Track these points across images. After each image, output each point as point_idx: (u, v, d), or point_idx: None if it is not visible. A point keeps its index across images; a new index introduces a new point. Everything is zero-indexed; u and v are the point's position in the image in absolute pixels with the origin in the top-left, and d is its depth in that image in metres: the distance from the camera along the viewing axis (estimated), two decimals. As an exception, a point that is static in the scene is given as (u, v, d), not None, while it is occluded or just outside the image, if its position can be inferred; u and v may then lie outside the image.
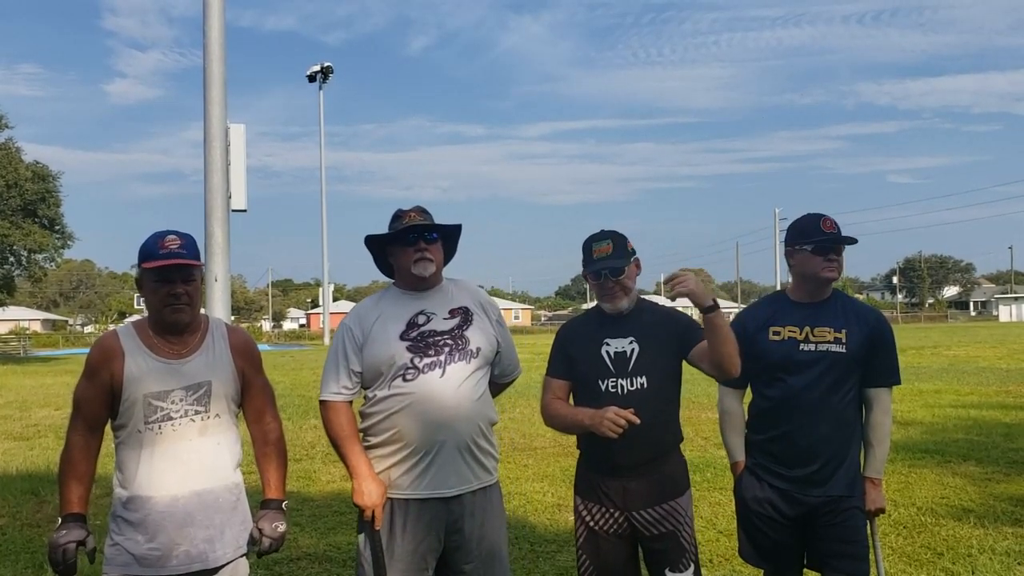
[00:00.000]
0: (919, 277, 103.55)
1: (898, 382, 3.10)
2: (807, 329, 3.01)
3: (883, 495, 3.12)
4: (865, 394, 3.08)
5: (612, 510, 2.88)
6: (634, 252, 2.95)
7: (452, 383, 2.76)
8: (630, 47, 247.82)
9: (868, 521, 3.08)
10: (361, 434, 2.86)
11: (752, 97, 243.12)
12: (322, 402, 2.85)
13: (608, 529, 2.89)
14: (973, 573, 4.57)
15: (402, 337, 2.79)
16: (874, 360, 3.04)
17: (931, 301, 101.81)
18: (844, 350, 2.98)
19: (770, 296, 3.31)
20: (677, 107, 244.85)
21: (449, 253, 3.00)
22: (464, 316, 2.88)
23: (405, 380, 2.75)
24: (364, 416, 2.86)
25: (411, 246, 2.83)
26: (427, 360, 2.76)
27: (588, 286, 3.06)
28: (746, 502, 3.11)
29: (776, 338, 3.04)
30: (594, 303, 3.04)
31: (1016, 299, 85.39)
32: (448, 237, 2.96)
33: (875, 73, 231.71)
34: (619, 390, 2.86)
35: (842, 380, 2.99)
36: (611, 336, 2.92)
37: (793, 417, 2.99)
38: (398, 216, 2.89)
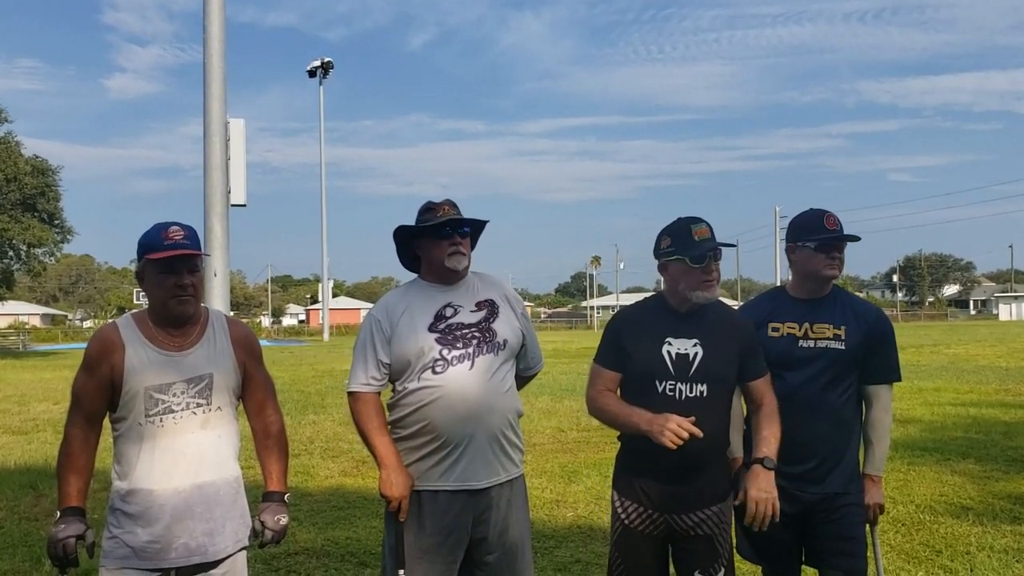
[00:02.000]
0: (919, 275, 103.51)
1: (898, 379, 3.09)
2: (806, 325, 2.99)
3: (882, 492, 3.11)
4: (865, 391, 3.06)
5: (650, 511, 2.78)
6: None
7: (481, 376, 2.76)
8: (631, 44, 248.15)
9: (868, 518, 3.08)
10: (389, 426, 2.85)
11: (753, 95, 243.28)
12: (350, 393, 2.84)
13: (644, 529, 2.80)
14: (972, 571, 4.57)
15: (431, 329, 2.78)
16: (874, 357, 3.02)
17: (931, 299, 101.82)
18: (843, 347, 2.97)
19: (770, 292, 3.28)
20: (678, 104, 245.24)
21: (472, 247, 3.00)
22: (491, 309, 2.88)
23: (435, 373, 2.75)
24: (392, 408, 2.86)
25: (446, 239, 2.82)
26: (456, 352, 2.76)
27: (666, 275, 2.84)
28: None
29: (775, 334, 3.02)
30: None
31: (1016, 298, 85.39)
32: (474, 232, 2.97)
33: (876, 71, 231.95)
34: (677, 394, 2.70)
35: (841, 377, 2.98)
36: (674, 335, 2.75)
37: (790, 414, 2.95)
38: (430, 208, 2.87)
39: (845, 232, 3.01)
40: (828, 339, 2.97)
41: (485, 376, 2.77)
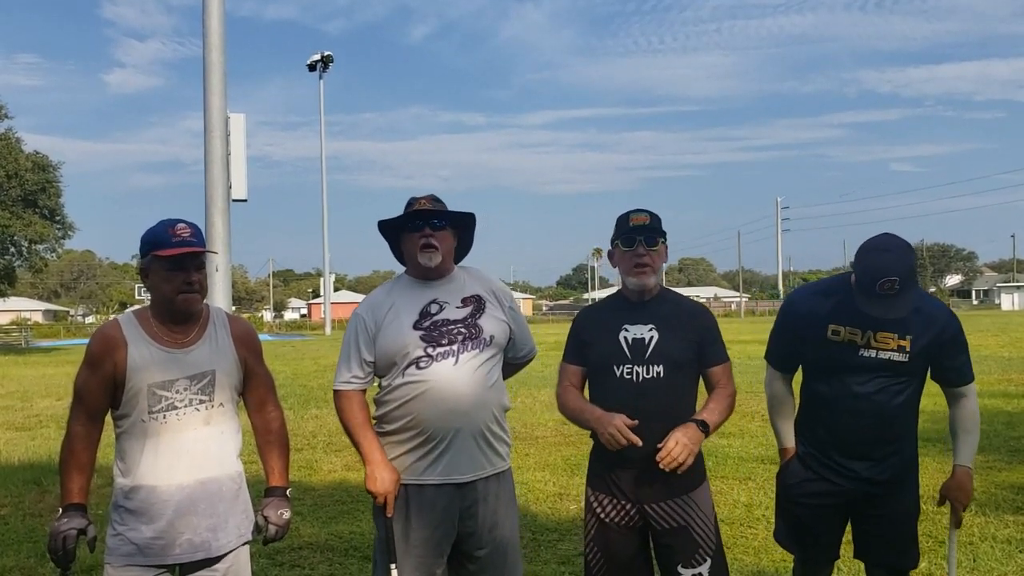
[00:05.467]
0: (921, 265, 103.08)
1: (972, 379, 2.95)
2: (869, 334, 2.80)
3: (970, 484, 2.98)
4: (945, 392, 2.97)
5: (624, 502, 2.82)
6: (666, 235, 2.88)
7: (465, 371, 2.77)
8: (631, 35, 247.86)
9: (956, 513, 3.01)
10: (375, 421, 2.87)
11: (754, 85, 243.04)
12: (336, 391, 2.87)
13: (619, 521, 2.83)
14: (974, 561, 4.57)
15: (415, 327, 2.79)
16: (947, 360, 2.88)
17: (933, 289, 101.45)
18: (906, 359, 2.80)
19: (835, 283, 2.96)
20: (678, 95, 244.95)
21: (466, 243, 3.00)
22: (477, 304, 2.88)
23: (419, 368, 2.76)
24: (379, 404, 2.88)
25: (416, 232, 2.83)
26: (441, 349, 2.77)
27: (612, 263, 2.96)
28: (789, 488, 3.04)
29: (835, 339, 2.84)
30: (605, 292, 2.99)
31: (1018, 287, 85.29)
32: (462, 227, 2.95)
33: (877, 61, 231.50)
34: (634, 377, 2.79)
35: (899, 382, 2.85)
36: (630, 322, 2.85)
37: (841, 413, 2.87)
38: (410, 203, 2.88)
39: (894, 306, 2.68)
40: (891, 350, 2.80)
41: (470, 371, 2.77)
